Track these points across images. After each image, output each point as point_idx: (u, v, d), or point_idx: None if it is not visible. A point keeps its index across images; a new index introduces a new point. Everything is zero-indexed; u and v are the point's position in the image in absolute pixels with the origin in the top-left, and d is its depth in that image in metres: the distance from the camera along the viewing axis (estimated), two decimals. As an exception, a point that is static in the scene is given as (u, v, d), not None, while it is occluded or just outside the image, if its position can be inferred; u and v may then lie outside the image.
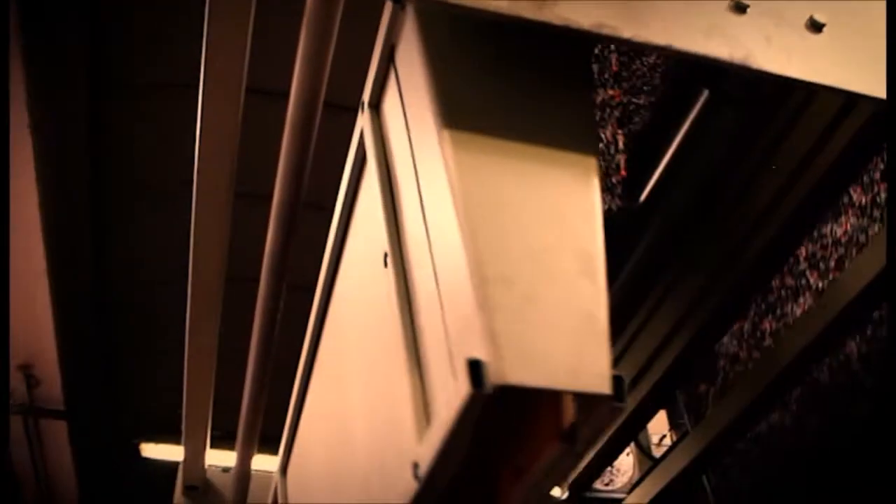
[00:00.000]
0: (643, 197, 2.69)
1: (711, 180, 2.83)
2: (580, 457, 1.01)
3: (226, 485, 4.52)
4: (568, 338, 0.96)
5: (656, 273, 4.36)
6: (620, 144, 3.17)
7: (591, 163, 1.12)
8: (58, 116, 4.74)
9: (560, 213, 1.06)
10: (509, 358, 0.91)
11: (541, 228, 1.04)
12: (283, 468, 2.57)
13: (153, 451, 6.69)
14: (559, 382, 0.93)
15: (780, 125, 2.41)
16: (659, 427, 6.25)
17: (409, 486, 1.10)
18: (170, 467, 6.20)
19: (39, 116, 4.33)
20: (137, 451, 6.75)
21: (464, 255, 0.98)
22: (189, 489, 4.63)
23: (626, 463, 5.73)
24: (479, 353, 0.91)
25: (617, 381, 0.94)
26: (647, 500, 4.27)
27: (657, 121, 2.76)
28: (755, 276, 3.63)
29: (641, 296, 4.49)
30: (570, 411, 0.98)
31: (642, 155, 3.06)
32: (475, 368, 0.89)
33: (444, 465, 1.04)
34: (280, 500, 2.56)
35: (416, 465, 1.08)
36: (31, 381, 6.04)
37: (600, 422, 0.97)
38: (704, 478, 4.53)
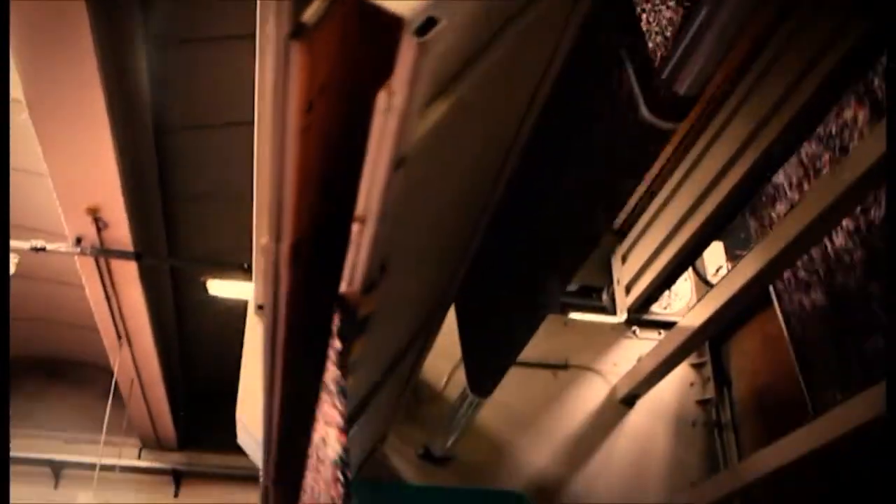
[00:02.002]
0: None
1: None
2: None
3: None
4: None
5: (718, 98, 4.42)
6: None
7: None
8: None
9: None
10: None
11: None
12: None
13: (220, 288, 7.08)
14: None
15: None
16: (716, 259, 6.45)
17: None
18: (236, 304, 6.63)
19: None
20: (205, 288, 7.14)
21: None
22: (260, 308, 4.96)
23: (683, 289, 6.00)
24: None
25: (429, 21, 1.02)
26: (702, 319, 4.52)
27: None
28: (823, 98, 3.67)
29: (703, 122, 4.57)
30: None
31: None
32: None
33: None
34: None
35: None
36: (100, 223, 6.36)
37: (406, 60, 1.07)
38: (773, 294, 4.73)
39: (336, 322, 1.76)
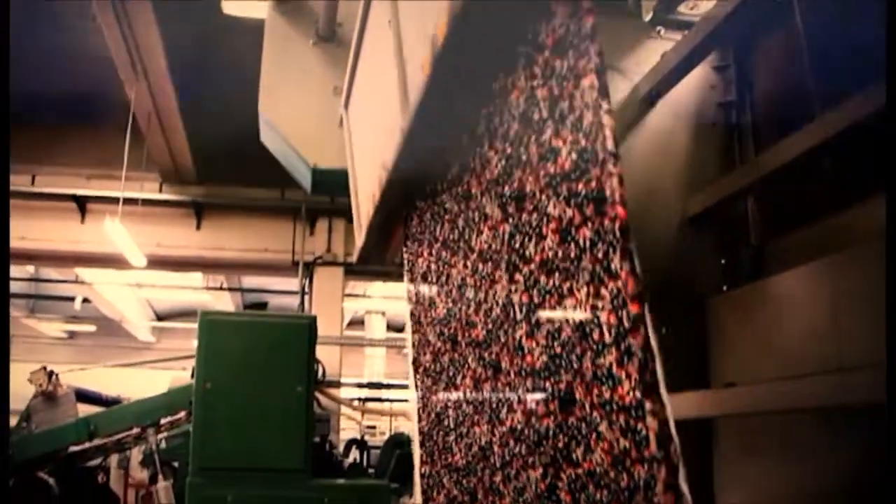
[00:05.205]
0: None
1: None
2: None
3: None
4: None
5: None
6: None
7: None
8: None
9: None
10: None
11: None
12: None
13: (235, 7, 7.14)
14: None
15: None
16: None
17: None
18: (252, 29, 6.73)
19: None
20: (219, 8, 7.20)
21: None
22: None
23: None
24: None
25: None
26: (727, 11, 4.66)
27: None
28: None
29: None
30: None
31: None
32: None
33: None
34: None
35: None
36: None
37: None
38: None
39: None
